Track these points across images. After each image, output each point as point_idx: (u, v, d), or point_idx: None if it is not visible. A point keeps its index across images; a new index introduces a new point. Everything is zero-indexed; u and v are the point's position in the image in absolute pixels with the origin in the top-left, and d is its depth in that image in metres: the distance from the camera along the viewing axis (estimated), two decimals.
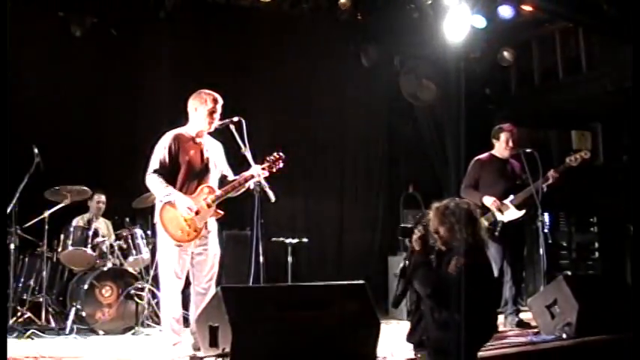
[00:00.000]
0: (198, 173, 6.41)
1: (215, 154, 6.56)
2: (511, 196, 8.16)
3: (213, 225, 6.50)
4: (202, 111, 6.42)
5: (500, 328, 7.78)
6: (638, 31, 8.17)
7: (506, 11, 9.87)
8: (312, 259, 10.76)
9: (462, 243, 5.51)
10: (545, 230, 8.69)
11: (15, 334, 7.88)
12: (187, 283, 6.54)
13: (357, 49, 10.92)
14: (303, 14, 10.24)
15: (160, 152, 6.35)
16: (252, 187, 6.35)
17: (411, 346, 5.78)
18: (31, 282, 8.63)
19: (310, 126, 11.17)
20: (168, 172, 6.32)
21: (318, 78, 11.08)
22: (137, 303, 8.38)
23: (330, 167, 11.49)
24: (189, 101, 6.51)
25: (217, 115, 6.44)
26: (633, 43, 7.72)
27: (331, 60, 11.09)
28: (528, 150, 8.28)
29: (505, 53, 10.96)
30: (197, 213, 6.27)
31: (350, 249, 11.25)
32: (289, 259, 9.07)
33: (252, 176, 6.35)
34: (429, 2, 9.75)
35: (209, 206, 6.34)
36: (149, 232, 8.78)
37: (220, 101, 6.46)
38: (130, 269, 8.64)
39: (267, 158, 6.48)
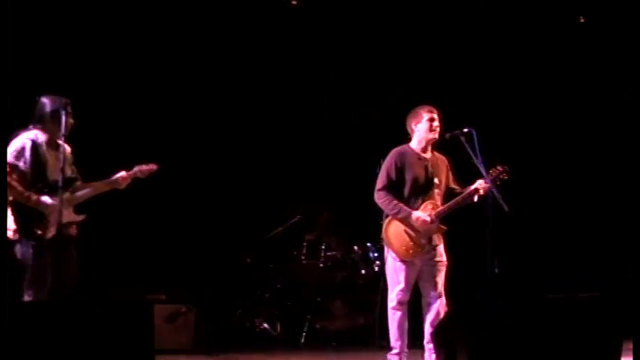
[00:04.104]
0: (423, 189, 6.42)
1: (440, 169, 6.57)
2: None
3: (439, 239, 6.50)
4: (422, 125, 6.46)
5: None
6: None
7: None
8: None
9: None
10: None
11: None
12: (418, 296, 6.55)
13: None
14: None
15: (387, 169, 6.45)
16: (482, 193, 6.29)
17: None
18: (266, 294, 8.98)
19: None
20: (394, 189, 6.41)
21: None
22: (367, 315, 8.53)
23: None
24: (407, 122, 6.56)
25: (436, 123, 6.45)
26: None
27: None
28: None
29: None
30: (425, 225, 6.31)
31: (584, 258, 10.78)
32: None
33: (477, 190, 6.30)
34: None
35: (432, 222, 6.36)
36: (378, 247, 8.92)
37: (435, 110, 6.48)
38: (360, 282, 8.79)
39: (491, 171, 6.40)
